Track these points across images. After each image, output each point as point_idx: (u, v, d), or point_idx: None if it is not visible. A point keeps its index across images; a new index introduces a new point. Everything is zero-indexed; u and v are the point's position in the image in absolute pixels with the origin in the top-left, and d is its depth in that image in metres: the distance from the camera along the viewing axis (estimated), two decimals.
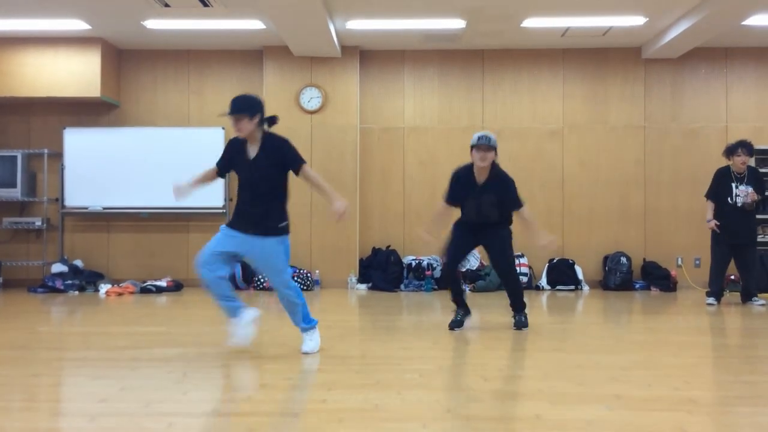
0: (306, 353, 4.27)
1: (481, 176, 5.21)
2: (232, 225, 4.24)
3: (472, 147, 5.17)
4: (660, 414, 3.03)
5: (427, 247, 6.32)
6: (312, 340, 4.34)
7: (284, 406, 3.16)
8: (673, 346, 4.69)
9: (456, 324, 5.38)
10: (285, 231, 4.23)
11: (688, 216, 8.59)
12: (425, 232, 5.47)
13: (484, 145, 5.11)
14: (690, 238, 8.59)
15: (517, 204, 5.24)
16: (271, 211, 4.19)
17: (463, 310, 5.45)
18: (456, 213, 5.43)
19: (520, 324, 5.35)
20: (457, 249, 5.40)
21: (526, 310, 5.45)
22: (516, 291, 5.41)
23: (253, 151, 4.22)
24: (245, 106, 4.14)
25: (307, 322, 4.34)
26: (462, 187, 5.28)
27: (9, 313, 6.49)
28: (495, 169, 5.22)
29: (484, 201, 5.20)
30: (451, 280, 5.48)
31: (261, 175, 4.17)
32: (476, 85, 8.80)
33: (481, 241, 5.41)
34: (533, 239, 5.41)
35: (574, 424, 2.86)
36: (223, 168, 4.38)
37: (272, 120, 4.31)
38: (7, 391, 3.45)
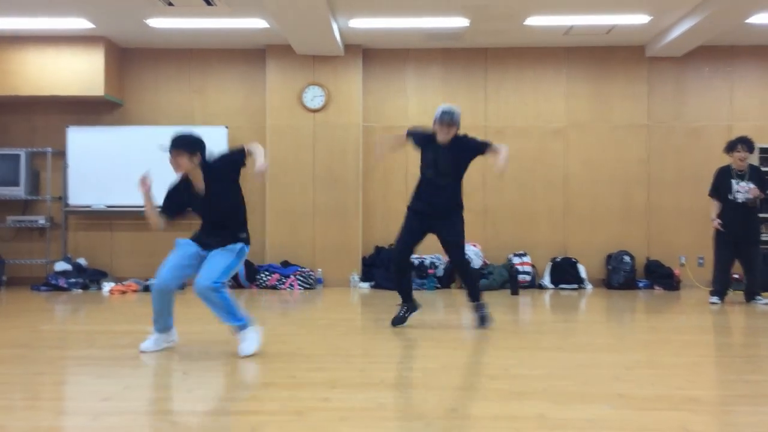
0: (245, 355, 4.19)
1: (444, 141, 5.22)
2: (195, 239, 4.34)
3: (436, 121, 5.18)
4: (663, 413, 3.02)
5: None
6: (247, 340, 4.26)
7: (288, 404, 3.16)
8: (676, 345, 4.68)
9: (398, 321, 5.34)
10: (245, 241, 4.34)
11: (691, 215, 8.58)
12: (378, 146, 5.49)
13: (448, 120, 5.13)
14: (693, 237, 8.57)
15: (482, 146, 5.23)
16: (232, 227, 4.31)
17: (408, 305, 5.39)
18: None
19: (484, 319, 5.30)
20: (409, 236, 5.32)
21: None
22: (471, 275, 5.41)
23: (198, 186, 4.28)
24: (182, 144, 4.18)
25: (238, 320, 4.29)
26: (426, 142, 5.30)
27: (12, 312, 6.50)
28: (457, 136, 5.24)
29: (443, 163, 5.19)
30: (400, 270, 5.37)
31: (217, 204, 4.26)
32: (479, 84, 8.80)
33: (433, 227, 5.30)
34: (498, 162, 5.07)
35: (577, 423, 2.87)
36: (172, 214, 4.39)
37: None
38: (10, 390, 3.46)
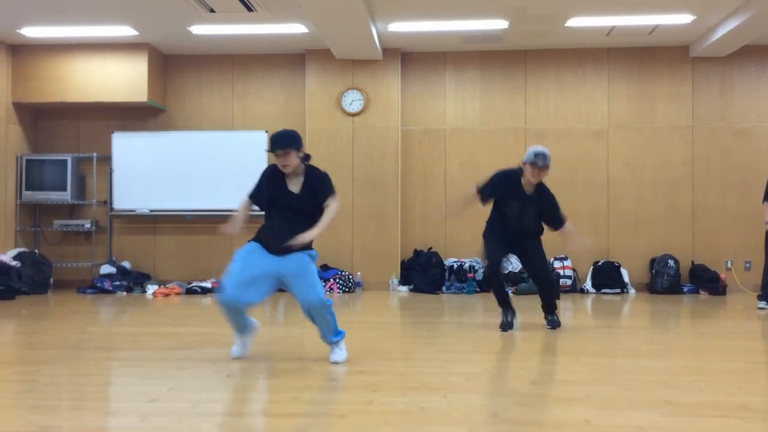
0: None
1: (529, 188, 5.26)
2: (258, 240, 4.18)
3: (528, 163, 5.17)
4: (713, 420, 2.95)
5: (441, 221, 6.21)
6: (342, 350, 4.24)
7: (330, 407, 3.17)
8: (724, 351, 4.57)
9: (507, 326, 5.41)
10: (313, 253, 4.19)
11: (737, 217, 8.38)
12: (442, 211, 5.51)
13: (541, 164, 5.14)
14: (740, 240, 8.37)
15: (560, 223, 5.37)
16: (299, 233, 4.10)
17: (510, 311, 5.49)
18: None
19: (555, 323, 5.43)
20: (497, 250, 5.42)
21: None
22: (552, 291, 5.47)
23: (295, 184, 4.17)
24: (290, 141, 4.10)
25: (339, 334, 4.24)
26: (506, 190, 5.29)
27: (60, 314, 6.65)
28: (540, 184, 5.30)
29: (528, 212, 5.28)
30: (495, 282, 5.51)
31: (302, 209, 4.14)
32: (519, 86, 8.73)
33: (513, 249, 5.50)
34: (572, 245, 5.41)
35: (625, 430, 2.81)
36: (260, 200, 4.27)
37: (307, 157, 4.26)
38: (58, 390, 3.53)
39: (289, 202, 4.15)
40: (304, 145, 4.25)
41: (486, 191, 5.37)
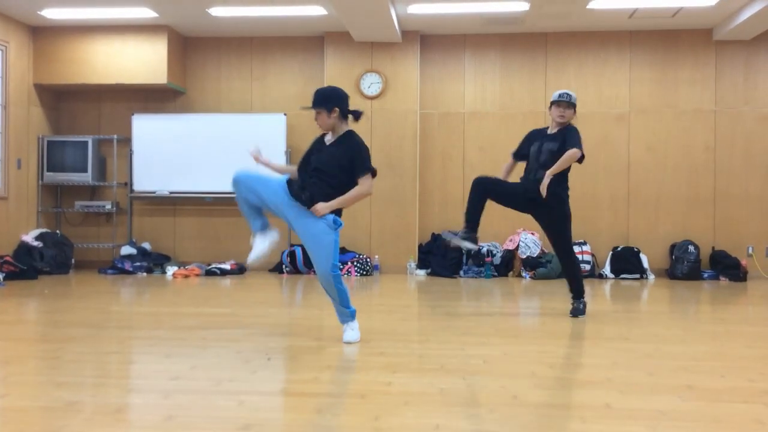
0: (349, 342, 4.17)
1: (554, 129, 5.25)
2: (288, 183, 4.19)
3: (553, 102, 5.19)
4: (735, 406, 2.94)
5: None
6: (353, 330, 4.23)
7: (350, 387, 3.19)
8: (746, 337, 4.54)
9: (452, 235, 5.19)
10: (336, 221, 4.08)
11: (760, 203, 8.29)
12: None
13: (564, 101, 5.14)
14: (762, 226, 8.29)
15: (575, 145, 5.06)
16: (324, 194, 4.07)
17: (469, 232, 5.15)
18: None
19: (578, 311, 5.24)
20: (503, 187, 5.21)
21: (586, 299, 5.34)
22: (575, 275, 5.28)
23: (329, 140, 4.21)
24: (323, 100, 4.12)
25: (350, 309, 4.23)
26: (533, 139, 5.29)
27: (82, 293, 6.73)
28: (567, 125, 5.23)
29: (545, 147, 5.17)
30: (475, 197, 5.15)
31: (328, 162, 4.10)
32: (539, 69, 8.65)
33: (537, 213, 5.22)
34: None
35: (646, 413, 2.80)
36: (304, 162, 4.24)
37: (357, 114, 4.21)
38: (82, 368, 3.58)
39: (318, 158, 4.15)
40: (345, 105, 4.17)
41: (518, 149, 5.37)
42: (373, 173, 4.14)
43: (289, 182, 4.18)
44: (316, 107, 4.14)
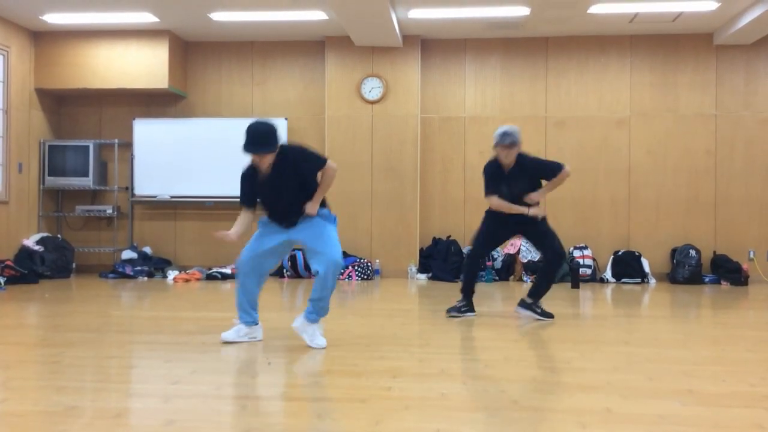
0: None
1: (507, 167, 5.26)
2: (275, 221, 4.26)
3: (498, 145, 5.19)
4: (736, 410, 2.93)
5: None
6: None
7: (351, 392, 3.18)
8: (747, 342, 4.53)
9: (454, 310, 5.40)
10: (329, 213, 4.25)
11: (760, 207, 8.28)
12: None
13: (509, 142, 5.14)
14: (763, 231, 8.28)
15: (557, 169, 5.23)
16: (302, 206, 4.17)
17: (466, 303, 5.44)
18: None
19: (526, 306, 5.35)
20: (487, 239, 5.46)
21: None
22: (552, 277, 5.38)
23: (265, 171, 4.16)
24: (266, 143, 4.04)
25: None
26: (497, 179, 5.29)
27: (83, 298, 6.73)
28: (519, 157, 5.24)
29: (516, 187, 5.22)
30: (469, 270, 5.48)
31: (286, 192, 4.13)
32: (540, 74, 8.66)
33: (518, 229, 5.42)
34: (534, 195, 5.24)
35: (646, 418, 2.80)
36: (250, 202, 4.31)
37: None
38: (82, 372, 3.58)
39: (266, 192, 4.18)
40: (283, 137, 4.24)
41: (491, 186, 5.33)
42: (323, 162, 4.21)
43: (273, 217, 4.24)
44: (262, 152, 4.03)
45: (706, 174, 8.43)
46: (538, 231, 5.34)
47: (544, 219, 5.33)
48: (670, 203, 8.46)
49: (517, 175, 5.22)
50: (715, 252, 8.31)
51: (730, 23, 7.84)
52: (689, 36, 8.44)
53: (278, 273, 8.46)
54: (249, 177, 4.25)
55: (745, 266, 8.06)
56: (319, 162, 4.21)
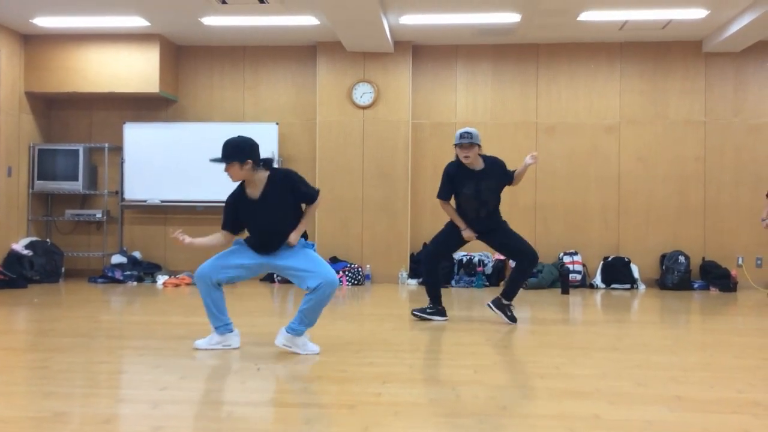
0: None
1: (474, 165, 5.35)
2: (248, 244, 4.28)
3: (456, 145, 5.31)
4: (724, 416, 2.95)
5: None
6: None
7: (340, 398, 3.18)
8: (735, 348, 4.56)
9: (421, 312, 5.49)
10: (306, 243, 4.27)
11: (749, 214, 8.33)
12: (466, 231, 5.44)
13: (467, 142, 5.24)
14: (751, 237, 8.33)
15: (509, 176, 5.42)
16: (286, 235, 4.19)
17: (434, 306, 5.50)
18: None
19: (500, 306, 5.42)
20: (446, 242, 5.55)
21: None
22: (526, 275, 5.47)
23: (254, 193, 4.17)
24: (232, 153, 4.07)
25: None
26: (459, 177, 5.37)
27: (72, 302, 6.70)
28: (485, 157, 5.40)
29: (483, 185, 5.33)
30: (429, 272, 5.55)
31: (272, 216, 4.14)
32: (530, 80, 8.69)
33: (489, 239, 5.50)
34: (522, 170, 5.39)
35: (634, 424, 2.81)
36: (233, 227, 4.32)
37: (268, 162, 4.22)
38: (71, 378, 3.56)
39: (255, 215, 4.16)
40: (257, 155, 4.14)
41: (444, 190, 5.46)
42: (318, 192, 4.30)
43: (249, 244, 4.24)
44: (226, 161, 4.07)
45: (696, 180, 8.48)
46: (498, 239, 5.43)
47: (500, 223, 5.44)
48: (659, 209, 8.50)
49: (486, 175, 5.33)
50: (704, 258, 8.36)
51: (720, 31, 7.90)
52: (679, 43, 8.50)
53: (269, 278, 8.44)
54: (234, 202, 4.25)
55: (733, 272, 8.11)
56: (314, 191, 4.28)
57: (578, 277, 8.15)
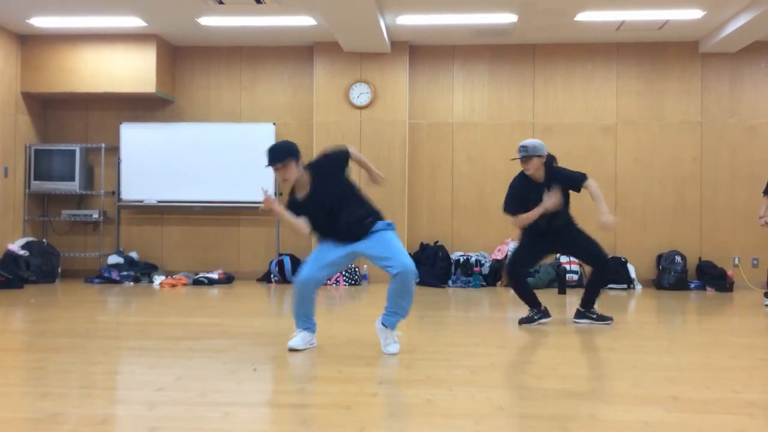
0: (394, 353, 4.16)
1: (538, 178, 5.24)
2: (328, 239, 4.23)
3: (519, 158, 5.22)
4: (720, 417, 2.95)
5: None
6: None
7: (337, 398, 3.18)
8: (731, 348, 4.56)
9: (526, 320, 5.36)
10: (387, 223, 4.24)
11: (745, 214, 8.34)
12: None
13: (521, 156, 5.18)
14: (748, 238, 8.34)
15: (579, 180, 5.27)
16: (358, 216, 4.15)
17: (537, 310, 5.38)
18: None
19: (602, 317, 5.40)
20: (525, 254, 5.41)
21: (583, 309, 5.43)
22: (603, 283, 5.50)
23: (302, 191, 4.14)
24: (287, 153, 4.04)
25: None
26: (526, 191, 5.24)
27: (68, 303, 6.69)
28: (548, 168, 5.25)
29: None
30: (516, 289, 5.42)
31: (332, 197, 4.11)
32: (527, 81, 8.70)
33: (556, 245, 5.50)
34: (596, 214, 5.25)
35: (631, 425, 2.81)
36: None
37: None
38: (67, 378, 3.56)
39: (320, 209, 4.11)
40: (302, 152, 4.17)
41: (509, 203, 5.29)
42: (347, 148, 4.30)
43: (330, 235, 4.19)
44: (281, 161, 4.02)
45: (692, 181, 8.49)
46: (571, 241, 5.37)
47: (573, 228, 5.38)
48: (656, 210, 8.51)
49: (551, 183, 5.22)
50: (700, 258, 8.37)
51: (716, 31, 7.92)
52: (675, 44, 8.51)
53: (266, 278, 8.44)
54: (291, 204, 4.19)
55: (730, 273, 8.12)
56: (342, 149, 4.25)
57: (575, 277, 8.16)
